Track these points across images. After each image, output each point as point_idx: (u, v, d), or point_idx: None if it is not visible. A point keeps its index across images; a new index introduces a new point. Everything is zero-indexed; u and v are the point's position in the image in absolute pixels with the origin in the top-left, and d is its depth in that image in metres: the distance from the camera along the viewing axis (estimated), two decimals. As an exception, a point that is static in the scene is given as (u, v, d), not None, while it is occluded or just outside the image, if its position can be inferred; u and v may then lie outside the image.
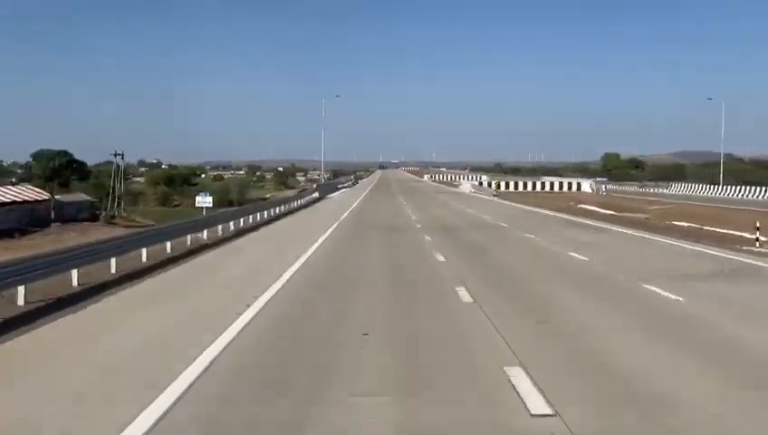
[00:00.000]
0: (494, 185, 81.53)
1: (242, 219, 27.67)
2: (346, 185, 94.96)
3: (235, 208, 30.72)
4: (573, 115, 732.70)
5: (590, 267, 15.40)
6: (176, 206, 72.14)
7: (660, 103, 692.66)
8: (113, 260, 14.60)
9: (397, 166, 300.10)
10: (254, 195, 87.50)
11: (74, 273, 12.66)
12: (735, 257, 17.37)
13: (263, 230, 27.38)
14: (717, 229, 26.67)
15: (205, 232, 22.00)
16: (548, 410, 5.66)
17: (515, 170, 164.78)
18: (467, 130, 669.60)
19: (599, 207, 46.50)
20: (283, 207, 39.32)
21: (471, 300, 10.94)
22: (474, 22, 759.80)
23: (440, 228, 27.28)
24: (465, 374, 6.81)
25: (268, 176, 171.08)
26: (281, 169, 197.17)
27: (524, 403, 5.84)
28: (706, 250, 19.33)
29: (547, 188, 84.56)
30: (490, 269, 15.20)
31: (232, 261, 17.25)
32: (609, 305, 10.72)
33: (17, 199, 50.53)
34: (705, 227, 27.90)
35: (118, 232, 37.24)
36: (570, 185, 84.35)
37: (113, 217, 61.68)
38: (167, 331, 8.98)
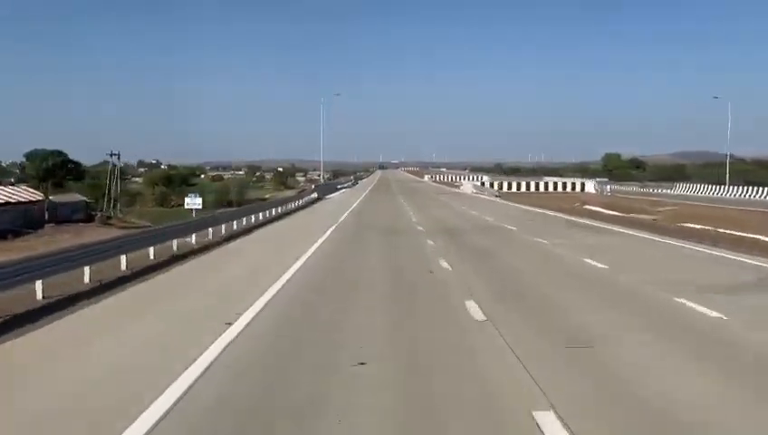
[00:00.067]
0: (496, 186, 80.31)
1: (234, 222, 26.38)
2: (345, 185, 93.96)
3: (221, 211, 29.25)
4: (573, 115, 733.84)
5: (611, 276, 14.04)
6: (173, 206, 71.13)
7: (660, 103, 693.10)
8: (87, 269, 13.32)
9: (397, 166, 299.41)
10: (253, 195, 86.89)
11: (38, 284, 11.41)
12: (764, 264, 16.06)
13: (255, 234, 25.93)
14: (732, 232, 25.43)
15: (193, 236, 20.70)
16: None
17: (515, 171, 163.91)
18: (467, 130, 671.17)
19: (604, 208, 45.48)
20: (279, 208, 37.98)
21: (483, 317, 9.61)
22: (474, 22, 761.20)
23: (443, 231, 26.01)
24: (483, 424, 5.52)
25: (268, 176, 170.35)
26: (280, 169, 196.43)
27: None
28: (727, 255, 18.07)
29: (550, 188, 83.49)
30: (500, 279, 13.87)
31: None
32: (643, 325, 9.31)
33: (11, 200, 49.79)
34: (719, 230, 26.71)
35: (113, 233, 36.50)
36: (573, 185, 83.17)
37: (109, 217, 60.95)
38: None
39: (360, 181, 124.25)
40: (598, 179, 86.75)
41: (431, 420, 5.54)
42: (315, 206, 49.39)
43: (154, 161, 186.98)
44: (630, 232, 25.91)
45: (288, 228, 28.79)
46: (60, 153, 76.10)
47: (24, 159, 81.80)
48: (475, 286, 12.46)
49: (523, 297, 11.53)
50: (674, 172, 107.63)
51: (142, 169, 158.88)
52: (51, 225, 49.45)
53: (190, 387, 6.41)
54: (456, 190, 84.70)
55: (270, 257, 17.73)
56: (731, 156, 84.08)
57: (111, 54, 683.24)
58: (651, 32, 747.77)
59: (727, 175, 73.19)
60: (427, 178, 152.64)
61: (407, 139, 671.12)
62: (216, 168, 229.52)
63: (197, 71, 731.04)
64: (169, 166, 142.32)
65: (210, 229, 22.34)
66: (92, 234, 39.15)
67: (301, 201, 48.13)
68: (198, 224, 21.49)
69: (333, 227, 26.88)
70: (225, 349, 7.84)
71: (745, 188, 60.37)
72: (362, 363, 7.22)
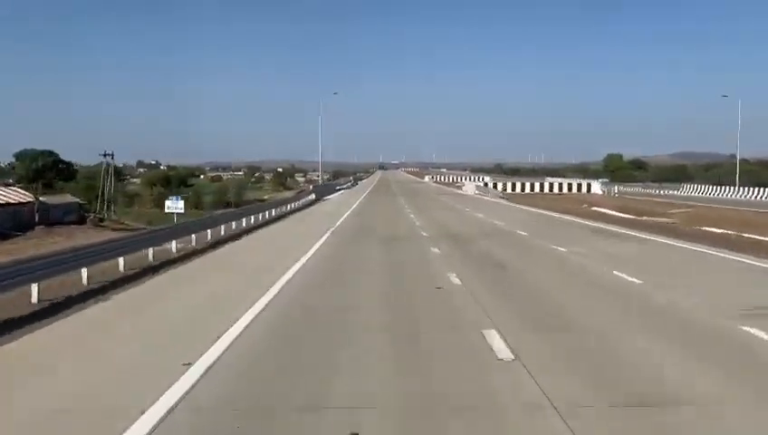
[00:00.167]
0: (500, 186, 78.54)
1: (222, 227, 24.31)
2: (345, 186, 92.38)
3: (203, 217, 26.87)
4: (573, 115, 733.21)
5: (651, 296, 11.87)
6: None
7: (660, 103, 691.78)
8: (35, 287, 11.30)
9: (397, 167, 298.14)
10: (251, 196, 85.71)
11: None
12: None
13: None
14: (759, 237, 23.52)
15: (174, 243, 18.65)
16: None
17: (515, 171, 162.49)
18: (467, 130, 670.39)
19: (614, 210, 43.82)
20: (273, 211, 35.93)
21: (510, 356, 7.53)
22: (474, 22, 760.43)
23: (448, 237, 23.97)
24: None
25: (267, 177, 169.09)
26: (280, 170, 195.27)
27: None
28: (763, 264, 16.13)
29: (555, 189, 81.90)
30: (521, 298, 11.70)
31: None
32: (721, 371, 7.18)
33: (0, 202, 48.26)
34: (745, 235, 24.80)
35: (107, 235, 34.99)
36: (579, 186, 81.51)
37: (102, 219, 59.75)
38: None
39: (359, 182, 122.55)
40: (600, 180, 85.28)
41: None
42: (312, 208, 47.55)
43: (153, 162, 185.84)
44: (650, 237, 23.91)
45: (276, 236, 26.36)
46: (50, 153, 73.99)
47: (13, 159, 79.78)
48: (492, 309, 10.35)
49: (556, 325, 9.39)
50: (675, 173, 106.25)
51: (142, 170, 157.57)
52: (41, 227, 48.08)
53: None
54: (459, 192, 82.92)
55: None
56: (733, 157, 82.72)
57: (111, 54, 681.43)
58: (651, 32, 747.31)
59: (737, 176, 71.72)
60: (427, 178, 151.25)
61: (407, 139, 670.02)
62: (215, 168, 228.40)
63: (197, 71, 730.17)
64: (169, 166, 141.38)
65: (193, 236, 20.34)
66: (84, 236, 38.41)
67: (296, 204, 46.24)
68: (169, 233, 19.19)
69: (328, 234, 24.77)
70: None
71: (758, 189, 58.76)
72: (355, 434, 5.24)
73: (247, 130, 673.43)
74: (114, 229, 47.44)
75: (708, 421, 5.66)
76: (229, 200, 75.12)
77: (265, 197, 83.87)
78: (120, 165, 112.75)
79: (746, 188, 61.77)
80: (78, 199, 59.85)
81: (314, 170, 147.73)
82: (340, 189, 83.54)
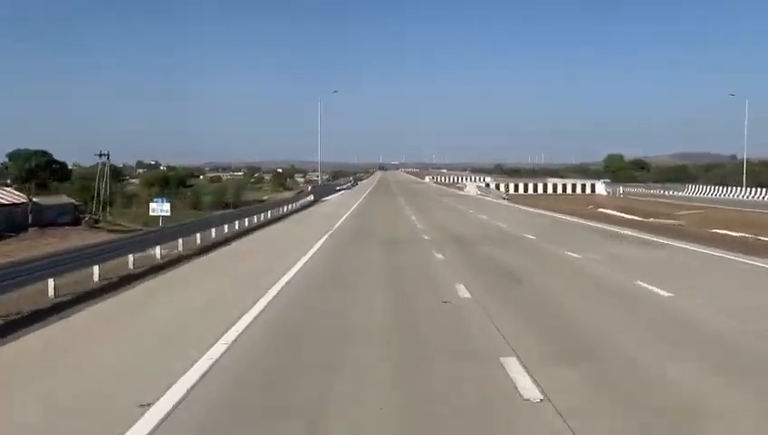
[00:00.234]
0: (502, 187, 77.55)
1: (213, 230, 23.02)
2: (344, 187, 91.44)
3: (191, 221, 25.41)
4: (573, 115, 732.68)
5: (685, 311, 10.48)
6: (169, 208, 68.45)
7: (660, 103, 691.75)
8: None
9: (397, 167, 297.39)
10: (250, 197, 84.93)
11: None
12: None
13: (233, 245, 22.29)
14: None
15: (158, 249, 17.34)
16: None
17: (515, 171, 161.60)
18: (467, 130, 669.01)
19: (620, 211, 42.85)
20: (269, 213, 34.67)
21: (539, 395, 6.15)
22: (474, 22, 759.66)
23: (452, 240, 22.68)
24: None
25: (267, 177, 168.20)
26: (280, 170, 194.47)
27: None
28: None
29: (559, 190, 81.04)
30: (540, 316, 10.25)
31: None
32: None
33: (-6, 203, 47.65)
34: (761, 238, 23.67)
35: (102, 236, 34.14)
36: (583, 187, 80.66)
37: (97, 220, 58.81)
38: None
39: (359, 182, 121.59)
40: (602, 181, 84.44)
41: None
42: (311, 209, 46.38)
43: (153, 162, 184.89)
44: (667, 241, 22.69)
45: (270, 239, 25.07)
46: (44, 153, 72.79)
47: (6, 159, 78.73)
48: (510, 331, 8.94)
49: (584, 351, 8.01)
50: (676, 173, 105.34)
51: (141, 171, 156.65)
52: (35, 228, 47.43)
53: None
54: (460, 192, 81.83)
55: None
56: (735, 157, 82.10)
57: (111, 54, 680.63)
58: (651, 32, 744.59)
59: (744, 176, 70.65)
60: (428, 179, 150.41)
61: (407, 139, 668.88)
62: (215, 169, 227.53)
63: (197, 71, 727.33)
64: (168, 167, 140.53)
65: (180, 240, 19.04)
66: (79, 238, 37.75)
67: (294, 205, 45.07)
68: (154, 238, 17.84)
69: (325, 237, 23.45)
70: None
71: (761, 190, 57.83)
72: None
73: (247, 131, 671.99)
74: (110, 231, 46.53)
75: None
76: (228, 201, 74.08)
77: (265, 197, 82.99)
78: (120, 165, 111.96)
79: (752, 189, 60.78)
80: (73, 200, 58.79)
81: (314, 171, 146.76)
82: (339, 190, 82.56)
